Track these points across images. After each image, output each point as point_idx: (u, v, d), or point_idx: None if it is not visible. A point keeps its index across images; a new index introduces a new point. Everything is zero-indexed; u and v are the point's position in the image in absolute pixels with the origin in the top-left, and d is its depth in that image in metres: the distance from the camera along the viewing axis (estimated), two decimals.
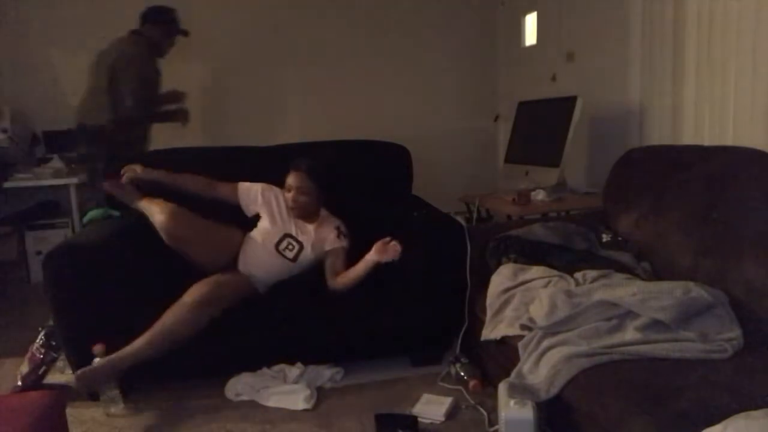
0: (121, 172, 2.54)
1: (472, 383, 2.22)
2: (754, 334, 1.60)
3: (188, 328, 2.14)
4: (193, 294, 2.19)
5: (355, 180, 2.90)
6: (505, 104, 4.79)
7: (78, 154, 3.50)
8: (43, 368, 2.36)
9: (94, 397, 2.22)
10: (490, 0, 4.97)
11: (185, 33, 3.52)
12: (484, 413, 2.08)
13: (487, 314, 2.08)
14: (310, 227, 2.52)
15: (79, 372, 2.02)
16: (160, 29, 3.41)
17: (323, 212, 2.57)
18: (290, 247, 2.47)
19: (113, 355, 2.08)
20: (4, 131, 4.07)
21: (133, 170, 2.54)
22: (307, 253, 2.49)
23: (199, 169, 2.68)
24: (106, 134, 3.28)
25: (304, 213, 2.50)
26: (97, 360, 2.06)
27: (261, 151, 2.93)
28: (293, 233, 2.50)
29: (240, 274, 2.44)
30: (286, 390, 2.25)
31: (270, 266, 2.46)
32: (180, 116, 3.53)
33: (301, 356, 2.40)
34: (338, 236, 2.51)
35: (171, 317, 2.14)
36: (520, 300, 2.00)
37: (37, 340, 2.37)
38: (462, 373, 2.29)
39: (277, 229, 2.51)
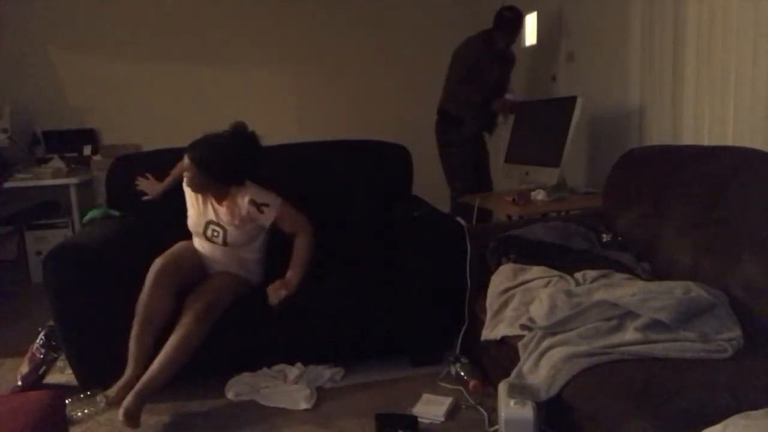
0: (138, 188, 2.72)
1: (472, 383, 2.22)
2: (754, 334, 1.60)
3: (198, 339, 2.16)
4: (194, 306, 2.18)
5: (356, 180, 2.91)
6: None
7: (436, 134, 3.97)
8: (43, 368, 2.36)
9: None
10: (490, 0, 4.97)
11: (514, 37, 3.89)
12: (484, 413, 2.08)
13: (487, 314, 2.07)
14: (223, 207, 2.41)
15: (123, 411, 1.99)
16: (501, 33, 3.77)
17: (236, 188, 2.41)
18: (215, 233, 2.41)
19: (139, 387, 2.05)
20: (4, 131, 4.07)
21: (144, 193, 2.72)
22: (234, 234, 2.40)
23: None
24: (447, 113, 3.89)
25: (194, 188, 2.38)
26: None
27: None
28: (213, 218, 2.41)
29: (231, 274, 2.43)
30: (286, 390, 2.25)
31: (215, 256, 2.43)
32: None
33: (301, 356, 2.40)
34: (260, 210, 2.38)
35: (180, 333, 2.14)
36: (520, 300, 2.00)
37: (37, 340, 2.37)
38: (462, 373, 2.29)
39: (198, 217, 2.45)
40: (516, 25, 3.75)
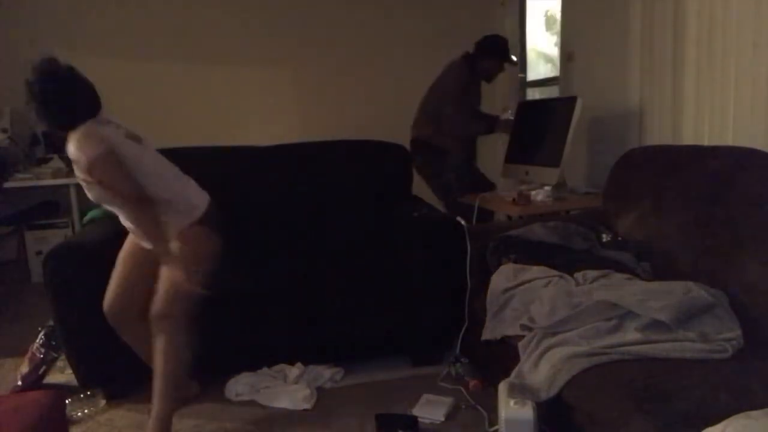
0: None
1: (472, 383, 2.22)
2: (754, 334, 1.60)
3: (180, 349, 2.01)
4: (156, 325, 2.00)
5: (356, 180, 2.91)
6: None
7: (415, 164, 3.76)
8: (43, 368, 2.36)
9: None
10: (489, 3, 4.98)
11: (514, 63, 3.86)
12: (484, 413, 2.08)
13: (487, 314, 2.07)
14: None
15: None
16: (495, 61, 3.69)
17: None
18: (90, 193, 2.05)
19: (156, 416, 1.96)
20: (4, 131, 4.07)
21: None
22: (96, 192, 2.01)
23: (199, 168, 2.67)
24: (432, 145, 3.67)
25: None
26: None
27: (260, 151, 2.93)
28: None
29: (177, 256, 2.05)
30: (286, 390, 2.25)
31: (127, 223, 2.12)
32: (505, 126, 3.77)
33: (301, 356, 2.40)
34: (80, 150, 1.94)
35: (159, 359, 1.98)
36: (520, 300, 2.00)
37: (37, 340, 2.37)
38: (462, 373, 2.29)
39: None
40: (505, 47, 3.72)
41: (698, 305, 1.64)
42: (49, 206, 4.20)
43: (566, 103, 3.10)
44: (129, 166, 1.99)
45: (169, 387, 2.00)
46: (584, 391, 1.51)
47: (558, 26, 3.82)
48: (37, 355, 2.35)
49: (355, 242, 2.60)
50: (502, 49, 3.69)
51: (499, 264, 2.29)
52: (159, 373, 1.99)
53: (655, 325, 1.62)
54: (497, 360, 2.02)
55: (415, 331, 2.47)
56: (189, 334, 2.04)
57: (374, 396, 2.27)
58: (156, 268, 2.05)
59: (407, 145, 3.09)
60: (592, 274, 2.03)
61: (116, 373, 2.29)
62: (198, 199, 2.17)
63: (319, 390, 2.31)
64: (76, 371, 2.28)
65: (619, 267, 2.10)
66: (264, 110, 4.77)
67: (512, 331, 1.89)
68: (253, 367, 2.37)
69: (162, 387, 1.99)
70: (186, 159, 2.76)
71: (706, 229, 1.94)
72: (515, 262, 2.26)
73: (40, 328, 2.41)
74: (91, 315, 2.22)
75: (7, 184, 3.85)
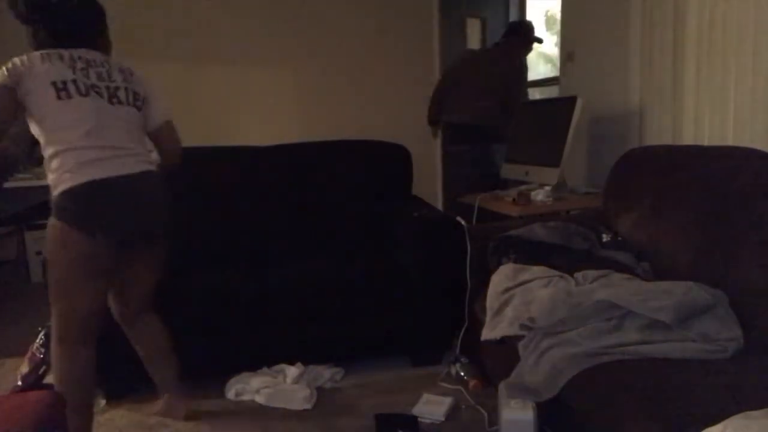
0: None
1: (472, 383, 2.22)
2: (754, 335, 1.60)
3: (61, 369, 1.86)
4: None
5: (355, 180, 2.91)
6: None
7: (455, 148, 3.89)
8: (43, 368, 2.36)
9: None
10: (491, 5, 4.97)
11: (540, 41, 4.03)
12: (484, 413, 2.08)
13: (487, 314, 2.07)
14: None
15: None
16: (527, 44, 3.93)
17: None
18: None
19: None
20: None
21: None
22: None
23: (199, 168, 2.68)
24: (489, 130, 3.81)
25: None
26: None
27: (260, 151, 2.93)
28: None
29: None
30: (286, 390, 2.25)
31: None
32: None
33: (301, 356, 2.41)
34: None
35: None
36: (520, 300, 2.00)
37: (37, 340, 2.37)
38: (462, 373, 2.29)
39: None
40: (531, 29, 3.89)
41: (698, 305, 1.64)
42: (49, 206, 4.19)
43: (566, 103, 3.10)
44: (29, 109, 1.83)
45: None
46: (584, 391, 1.51)
47: (558, 26, 3.82)
48: (37, 355, 2.35)
49: (355, 242, 2.60)
50: (531, 31, 3.88)
51: (499, 264, 2.29)
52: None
53: (655, 325, 1.62)
54: (497, 360, 2.02)
55: (415, 331, 2.47)
56: (74, 356, 1.86)
57: (374, 396, 2.27)
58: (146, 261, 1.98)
59: (407, 145, 3.08)
60: (592, 274, 2.03)
61: (116, 373, 2.29)
62: (87, 169, 1.83)
63: (319, 390, 2.31)
64: None
65: (619, 267, 2.10)
66: (264, 110, 4.77)
67: (512, 331, 1.89)
68: (253, 367, 2.37)
69: None
70: (186, 159, 2.78)
71: (706, 229, 1.94)
72: (515, 262, 2.26)
73: (40, 328, 2.41)
74: None
75: (7, 184, 3.84)
